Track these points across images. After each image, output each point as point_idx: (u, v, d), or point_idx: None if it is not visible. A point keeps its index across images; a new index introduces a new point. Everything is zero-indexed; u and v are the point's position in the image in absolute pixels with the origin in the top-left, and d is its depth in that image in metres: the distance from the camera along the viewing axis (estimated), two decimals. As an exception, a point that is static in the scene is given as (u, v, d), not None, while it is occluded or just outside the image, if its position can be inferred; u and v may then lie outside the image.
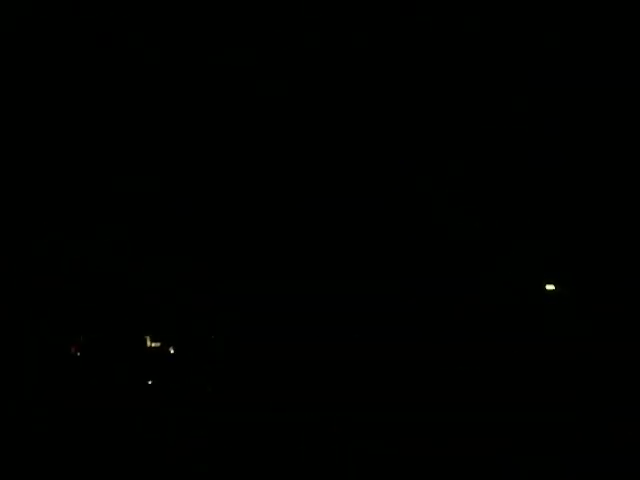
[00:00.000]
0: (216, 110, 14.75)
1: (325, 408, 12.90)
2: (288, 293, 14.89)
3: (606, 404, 12.78)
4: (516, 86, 14.34)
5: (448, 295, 14.80)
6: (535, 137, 14.53)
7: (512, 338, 14.41)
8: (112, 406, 13.11)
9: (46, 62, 14.27)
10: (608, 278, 14.34)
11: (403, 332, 14.72)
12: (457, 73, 14.42)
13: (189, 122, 14.79)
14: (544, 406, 12.62)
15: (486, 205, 14.77)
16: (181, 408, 13.47)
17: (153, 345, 15.24)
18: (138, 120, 14.73)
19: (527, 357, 14.23)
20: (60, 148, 14.67)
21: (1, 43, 13.96)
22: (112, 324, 15.02)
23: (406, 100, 14.64)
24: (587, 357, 14.03)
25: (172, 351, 15.22)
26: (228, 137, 14.90)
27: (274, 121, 14.76)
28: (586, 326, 14.27)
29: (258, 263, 15.07)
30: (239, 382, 14.49)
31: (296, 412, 12.76)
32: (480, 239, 14.78)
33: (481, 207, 14.76)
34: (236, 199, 15.07)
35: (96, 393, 13.65)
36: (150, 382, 14.71)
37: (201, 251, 15.11)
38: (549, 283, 14.79)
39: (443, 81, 14.48)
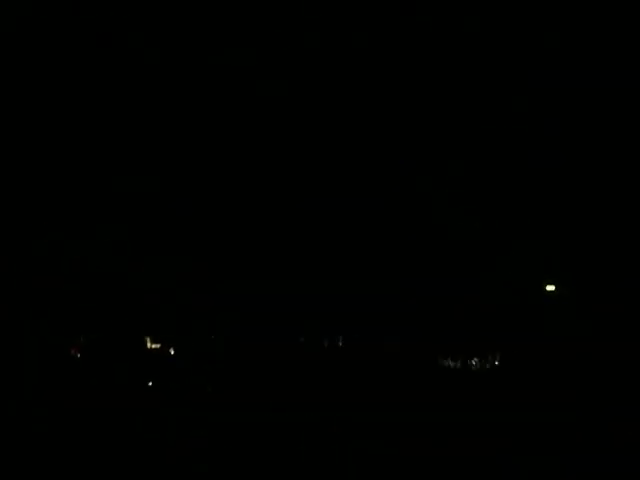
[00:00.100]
0: (216, 110, 14.76)
1: (325, 408, 12.89)
2: (288, 293, 14.90)
3: (606, 404, 12.78)
4: (516, 86, 14.34)
5: (448, 295, 14.81)
6: (535, 137, 14.53)
7: (512, 338, 14.42)
8: (112, 406, 13.11)
9: (46, 62, 14.27)
10: (608, 278, 14.35)
11: (403, 332, 14.73)
12: (457, 73, 14.42)
13: (189, 122, 14.80)
14: (544, 406, 12.62)
15: (486, 205, 14.77)
16: (181, 408, 13.46)
17: (153, 346, 15.25)
18: (138, 120, 14.74)
19: (527, 357, 14.23)
20: (60, 148, 14.68)
21: (1, 43, 13.97)
22: (112, 324, 15.02)
23: (406, 100, 14.64)
24: (587, 357, 14.03)
25: (172, 352, 15.22)
26: (228, 137, 14.91)
27: (274, 121, 14.76)
28: (586, 326, 14.27)
29: (258, 263, 15.07)
30: (239, 382, 14.49)
31: (296, 412, 12.76)
32: (480, 239, 14.78)
33: (481, 207, 14.77)
34: (236, 199, 15.07)
35: (96, 393, 13.64)
36: (150, 383, 14.71)
37: (201, 251, 15.12)
38: (549, 283, 14.80)
39: (443, 81, 14.48)
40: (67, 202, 14.79)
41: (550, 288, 14.76)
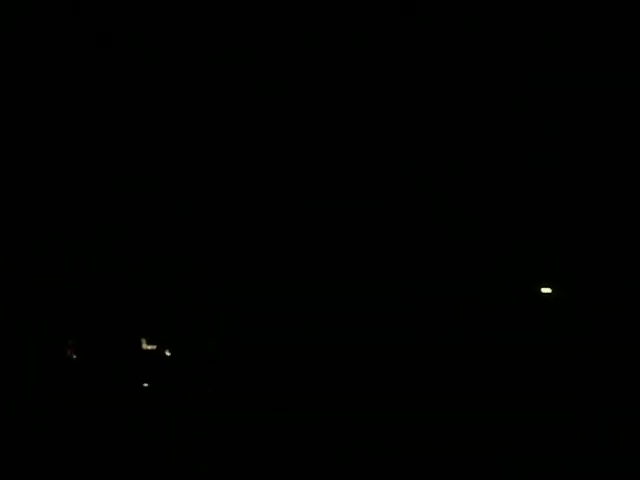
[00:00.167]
0: (216, 110, 14.75)
1: (325, 408, 12.89)
2: (288, 293, 14.89)
3: (606, 404, 12.78)
4: (516, 86, 14.34)
5: (448, 295, 14.80)
6: (535, 137, 14.53)
7: (512, 338, 14.41)
8: (112, 405, 13.10)
9: (46, 62, 14.27)
10: (608, 279, 14.34)
11: (403, 332, 14.72)
12: (457, 73, 14.42)
13: (189, 122, 14.79)
14: (544, 406, 12.61)
15: (486, 205, 14.77)
16: (181, 408, 13.45)
17: (149, 348, 15.23)
18: (138, 120, 14.73)
19: (527, 357, 14.23)
20: (60, 148, 14.67)
21: (1, 43, 13.96)
22: (112, 324, 15.01)
23: (406, 100, 14.64)
24: (587, 357, 14.03)
25: (168, 353, 15.19)
26: (228, 137, 14.90)
27: (274, 121, 14.76)
28: (586, 326, 14.26)
29: (258, 263, 15.06)
30: (239, 382, 14.49)
31: (296, 412, 12.76)
32: (480, 239, 14.78)
33: (481, 207, 14.76)
34: (236, 199, 15.07)
35: (96, 393, 13.64)
36: (147, 384, 14.70)
37: (201, 251, 15.11)
38: (549, 284, 14.79)
39: (443, 81, 14.48)
40: (67, 202, 14.78)
41: (550, 288, 14.76)
